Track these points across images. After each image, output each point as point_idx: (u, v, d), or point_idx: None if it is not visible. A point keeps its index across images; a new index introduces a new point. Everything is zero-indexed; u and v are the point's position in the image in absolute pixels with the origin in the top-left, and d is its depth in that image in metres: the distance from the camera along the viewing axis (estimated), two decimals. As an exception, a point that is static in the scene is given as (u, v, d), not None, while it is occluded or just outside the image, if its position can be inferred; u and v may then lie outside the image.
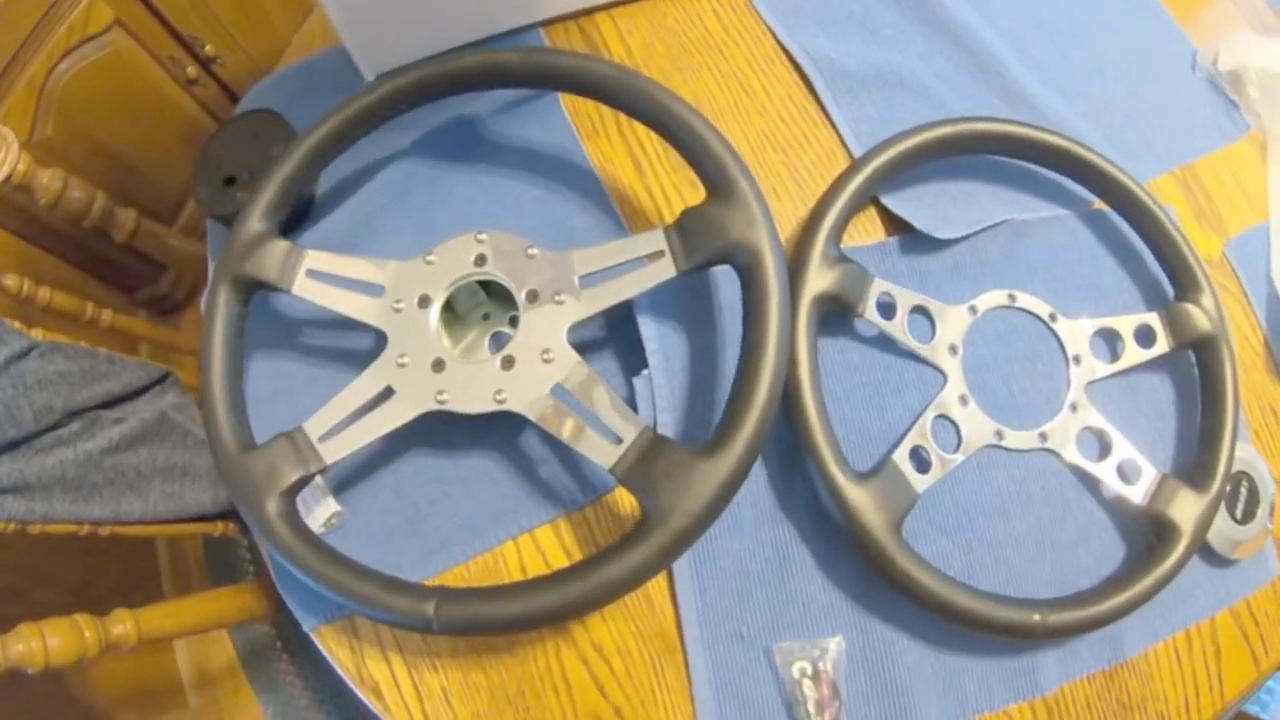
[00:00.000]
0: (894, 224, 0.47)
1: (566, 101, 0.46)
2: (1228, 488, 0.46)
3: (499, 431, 0.42)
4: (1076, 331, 0.47)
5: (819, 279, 0.41)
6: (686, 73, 0.47)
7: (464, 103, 0.46)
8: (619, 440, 0.35)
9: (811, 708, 0.39)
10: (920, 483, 0.40)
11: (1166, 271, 0.48)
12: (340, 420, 0.39)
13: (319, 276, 0.41)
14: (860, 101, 0.48)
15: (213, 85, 0.88)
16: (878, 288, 0.43)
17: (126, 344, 0.80)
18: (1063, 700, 0.43)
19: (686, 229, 0.37)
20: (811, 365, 0.39)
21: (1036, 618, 0.39)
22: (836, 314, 0.43)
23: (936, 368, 0.44)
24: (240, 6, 0.85)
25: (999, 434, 0.44)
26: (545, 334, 0.38)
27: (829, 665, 0.39)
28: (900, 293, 0.44)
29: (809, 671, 0.39)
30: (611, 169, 0.45)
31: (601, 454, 0.35)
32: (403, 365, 0.39)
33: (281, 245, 0.41)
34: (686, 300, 0.42)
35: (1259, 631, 0.47)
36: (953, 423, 0.43)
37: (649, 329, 0.40)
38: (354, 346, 0.44)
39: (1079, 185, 0.49)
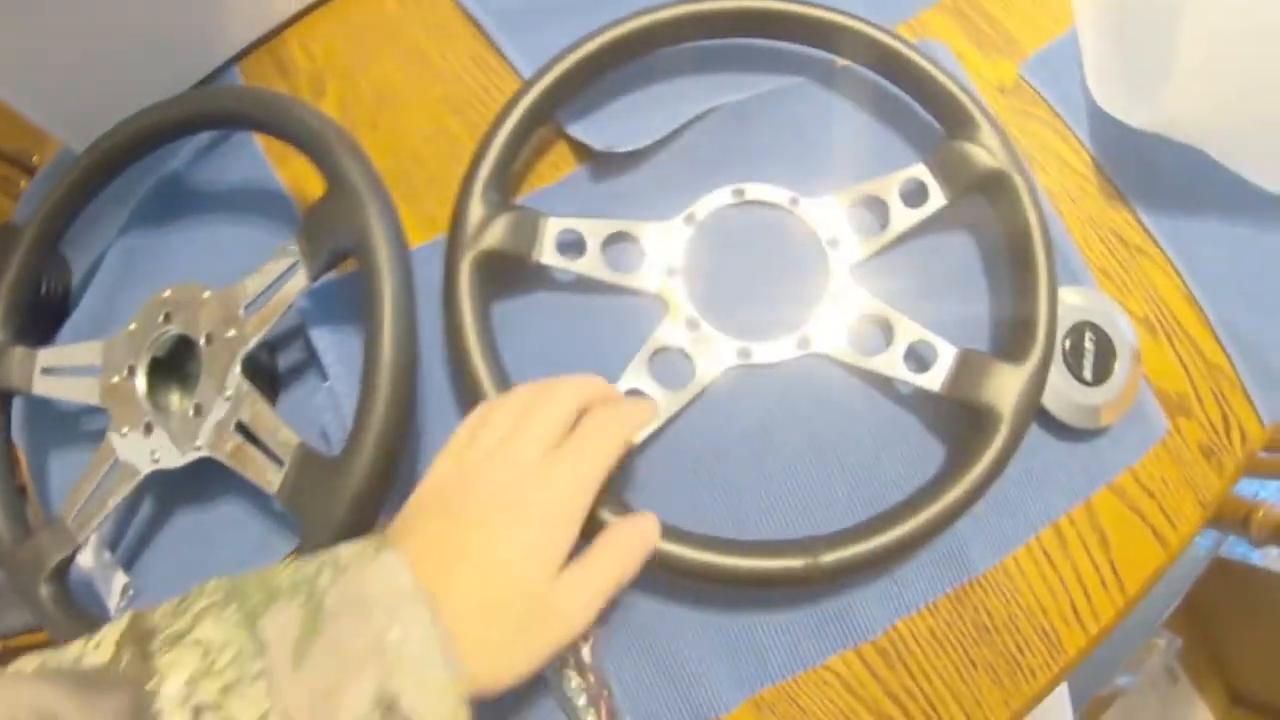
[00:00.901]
0: (585, 153, 0.42)
1: (259, 135, 0.46)
2: (1066, 343, 0.38)
3: (233, 475, 0.41)
4: (828, 211, 0.40)
5: (477, 237, 0.37)
6: (369, 61, 0.46)
7: (166, 162, 0.46)
8: (283, 463, 0.34)
9: (583, 701, 0.35)
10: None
11: (934, 116, 0.40)
12: (86, 498, 0.41)
13: (52, 372, 0.43)
14: (536, 31, 0.43)
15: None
16: (555, 226, 0.38)
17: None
18: (899, 640, 0.36)
19: (310, 230, 0.35)
20: (480, 335, 0.36)
21: (801, 562, 0.32)
22: (518, 267, 0.38)
23: (653, 296, 0.39)
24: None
25: (744, 352, 0.38)
26: (224, 372, 0.37)
27: (586, 653, 0.35)
28: (587, 224, 0.39)
29: (569, 662, 0.36)
30: (302, 187, 0.44)
31: (271, 480, 0.34)
32: (124, 435, 0.40)
33: (17, 352, 0.43)
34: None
35: (1157, 504, 0.39)
36: (683, 354, 0.38)
37: (323, 339, 0.38)
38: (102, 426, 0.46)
39: (806, 47, 0.42)
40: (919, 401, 0.38)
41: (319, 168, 0.36)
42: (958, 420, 0.37)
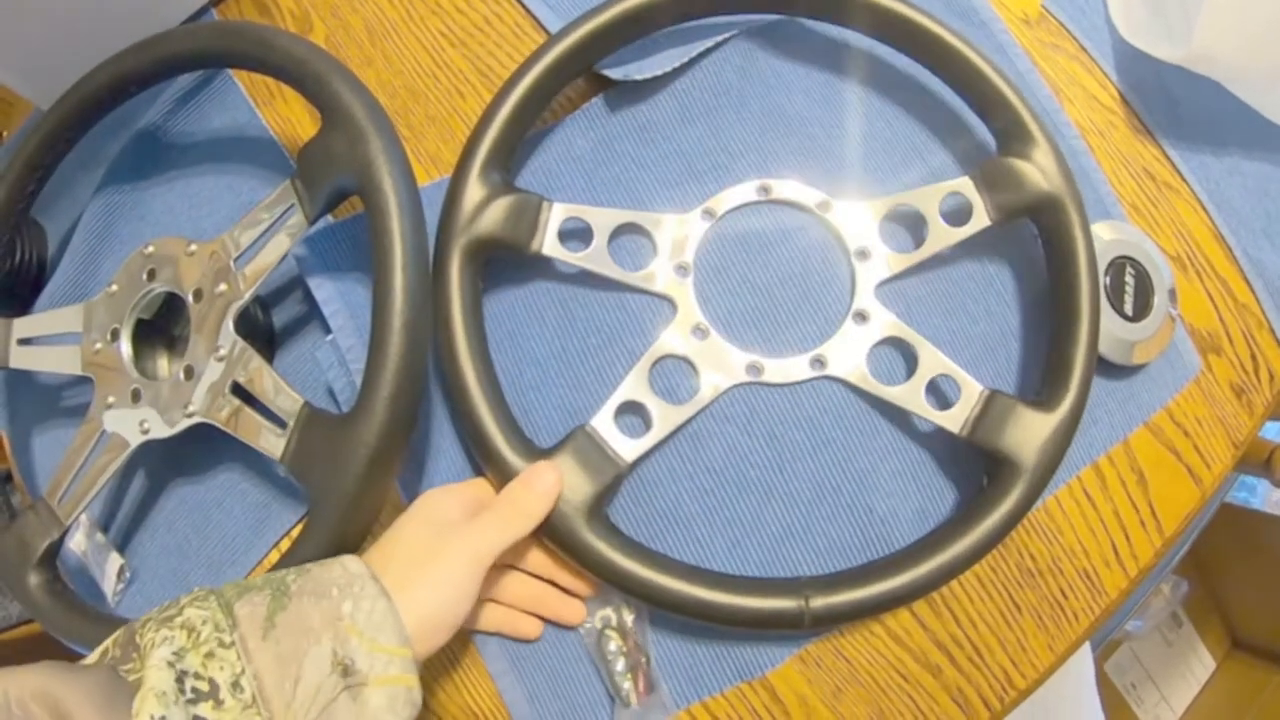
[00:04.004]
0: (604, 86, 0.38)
1: (240, 75, 0.42)
2: (1107, 278, 0.37)
3: (230, 441, 0.39)
4: (860, 219, 0.36)
5: (473, 221, 0.33)
6: (356, 0, 0.42)
7: (139, 116, 0.43)
8: (286, 425, 0.31)
9: (621, 666, 0.33)
10: (632, 450, 0.33)
11: (987, 125, 0.36)
12: (70, 478, 0.37)
13: (31, 342, 0.40)
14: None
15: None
16: (559, 214, 0.34)
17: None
18: (945, 588, 0.35)
19: (306, 170, 0.32)
20: (468, 325, 0.32)
21: (793, 604, 0.30)
22: (516, 256, 0.35)
23: (661, 296, 0.35)
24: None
25: (755, 368, 0.35)
26: (216, 330, 0.34)
27: (630, 618, 0.34)
28: (595, 213, 0.35)
29: (613, 622, 0.34)
30: (291, 130, 0.41)
31: (273, 445, 0.32)
32: (110, 405, 0.37)
33: (-11, 323, 0.40)
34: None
35: (1191, 443, 0.38)
36: (688, 363, 0.35)
37: (323, 290, 0.36)
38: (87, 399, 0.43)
39: (855, 32, 0.38)
40: (937, 439, 0.35)
41: (311, 101, 0.33)
42: (977, 464, 0.34)
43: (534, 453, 0.32)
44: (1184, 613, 0.86)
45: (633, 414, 0.34)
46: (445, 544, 0.28)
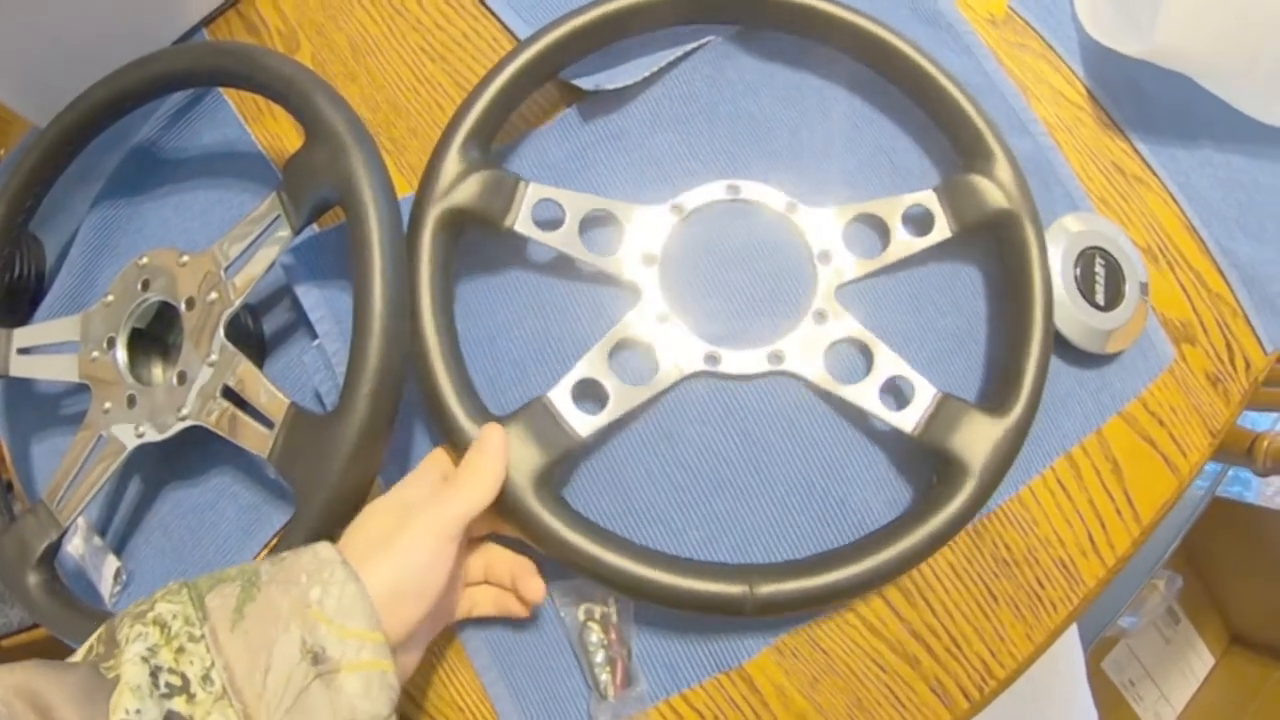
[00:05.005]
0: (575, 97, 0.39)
1: (230, 92, 0.44)
2: (1077, 269, 0.37)
3: (222, 444, 0.40)
4: (824, 223, 0.37)
5: (448, 191, 0.34)
6: (339, 17, 0.44)
7: (133, 133, 0.44)
8: (273, 425, 0.33)
9: (601, 658, 0.34)
10: (586, 425, 0.33)
11: (951, 142, 0.38)
12: (69, 481, 0.39)
13: (30, 351, 0.42)
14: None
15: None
16: (534, 194, 0.35)
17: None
18: (919, 577, 0.36)
19: (291, 182, 0.34)
20: (434, 294, 0.33)
21: (738, 590, 0.30)
22: (490, 232, 0.36)
23: (626, 283, 0.36)
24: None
25: (712, 357, 0.35)
26: (207, 337, 0.35)
27: (614, 611, 0.34)
28: (569, 196, 0.36)
29: (595, 614, 0.35)
30: (279, 145, 0.42)
31: (261, 444, 0.33)
32: (107, 411, 0.38)
33: (-12, 334, 0.41)
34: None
35: (1167, 432, 0.38)
36: (648, 348, 0.35)
37: (310, 296, 0.37)
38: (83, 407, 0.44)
39: (818, 42, 0.39)
40: (890, 439, 0.36)
41: (296, 116, 0.34)
42: (928, 464, 0.35)
43: (487, 417, 0.33)
44: (1180, 609, 0.86)
45: (590, 393, 0.35)
46: (410, 518, 0.28)
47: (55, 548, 0.39)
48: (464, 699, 0.36)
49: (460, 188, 0.35)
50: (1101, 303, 0.37)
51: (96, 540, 0.43)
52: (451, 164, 0.35)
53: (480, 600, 0.34)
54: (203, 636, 0.24)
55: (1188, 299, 0.41)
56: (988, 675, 0.35)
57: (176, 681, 0.23)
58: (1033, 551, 0.37)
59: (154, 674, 0.23)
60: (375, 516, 0.30)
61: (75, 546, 0.43)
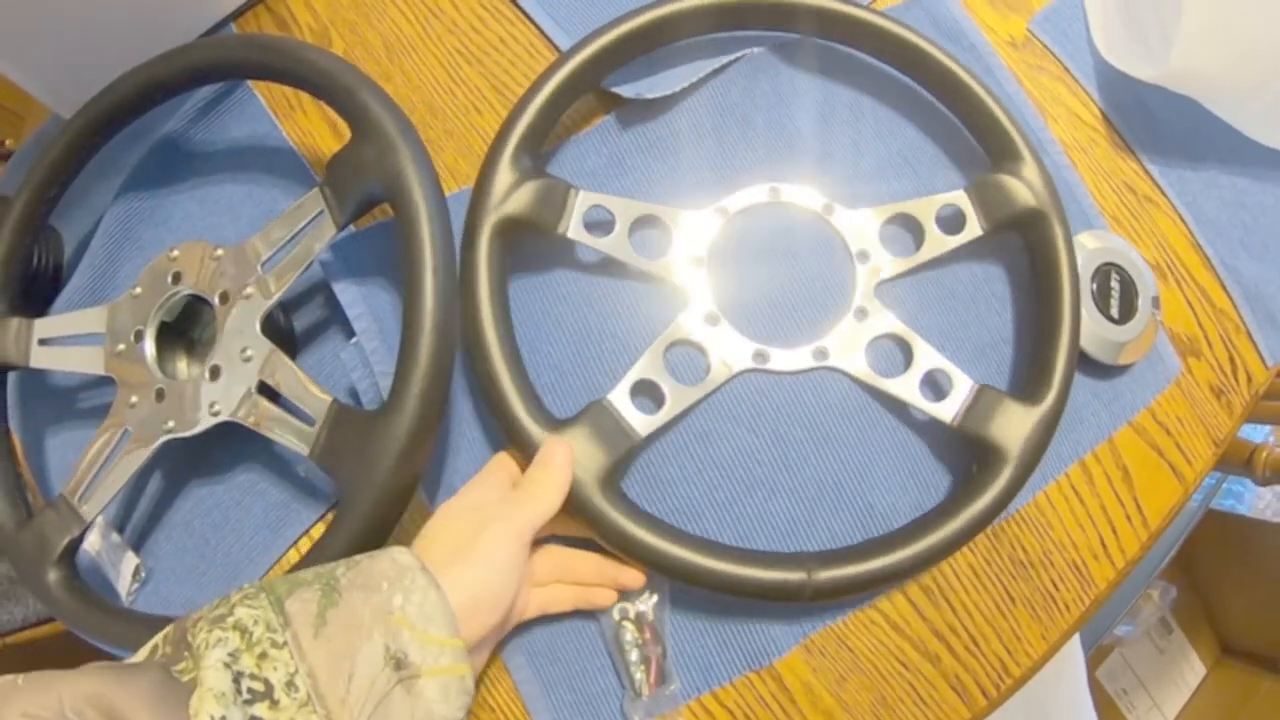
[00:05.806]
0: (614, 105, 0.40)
1: (260, 87, 0.44)
2: (1094, 284, 0.39)
3: (251, 441, 0.40)
4: (861, 224, 0.39)
5: (502, 201, 0.35)
6: (372, 16, 0.44)
7: (161, 124, 0.44)
8: (313, 422, 0.33)
9: (635, 657, 0.35)
10: (645, 424, 0.34)
11: (980, 143, 0.39)
12: (91, 476, 0.38)
13: (51, 342, 0.41)
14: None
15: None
16: (585, 201, 0.36)
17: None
18: (941, 578, 0.37)
19: (335, 178, 0.34)
20: (494, 302, 0.34)
21: (797, 577, 0.32)
22: (541, 238, 0.37)
23: (675, 285, 0.37)
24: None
25: (761, 355, 0.37)
26: (242, 332, 0.35)
27: (649, 608, 0.35)
28: (618, 203, 0.37)
29: (630, 613, 0.35)
30: (311, 142, 0.42)
31: (301, 441, 0.33)
32: (133, 405, 0.38)
33: (12, 323, 0.40)
34: (395, 251, 0.38)
35: (1173, 441, 0.40)
36: (699, 349, 0.37)
37: (348, 294, 0.37)
38: (108, 399, 0.43)
39: (856, 51, 0.41)
40: (931, 429, 0.38)
41: (340, 113, 0.34)
42: (968, 453, 0.36)
43: (552, 422, 0.34)
44: (1174, 619, 0.88)
45: (647, 392, 0.36)
46: (485, 525, 0.29)
47: (76, 544, 0.38)
48: (495, 698, 0.36)
49: (514, 197, 0.36)
50: (1116, 316, 0.39)
51: (114, 537, 0.42)
52: (504, 174, 0.36)
53: (558, 598, 0.34)
54: (285, 643, 0.24)
55: (1193, 314, 0.43)
56: (1004, 673, 0.37)
57: (259, 687, 0.23)
58: (1048, 554, 0.38)
59: (236, 679, 0.23)
60: (450, 521, 0.30)
61: (91, 543, 0.42)
